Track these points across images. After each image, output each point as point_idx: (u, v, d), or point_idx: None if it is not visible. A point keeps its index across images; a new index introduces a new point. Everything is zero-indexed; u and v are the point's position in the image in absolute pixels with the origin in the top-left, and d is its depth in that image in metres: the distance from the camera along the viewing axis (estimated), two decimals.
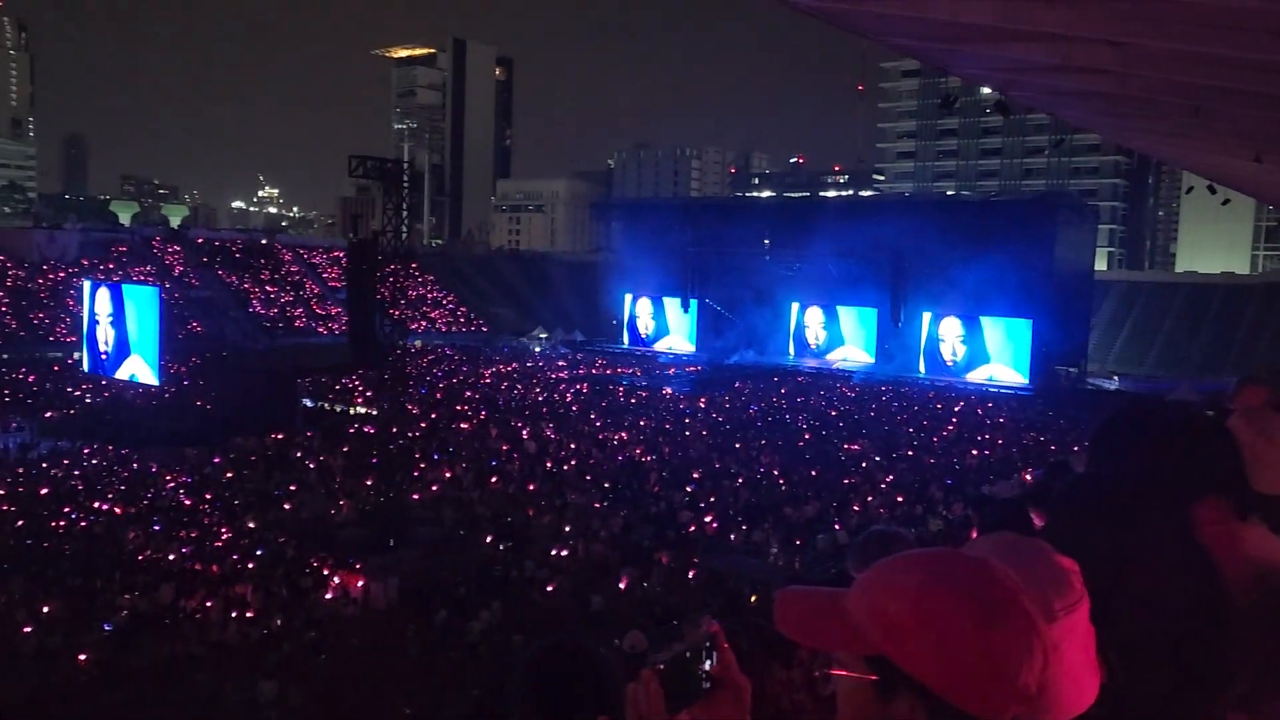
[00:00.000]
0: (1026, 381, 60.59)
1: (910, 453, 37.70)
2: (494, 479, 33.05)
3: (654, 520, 28.25)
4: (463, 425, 42.57)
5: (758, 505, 29.45)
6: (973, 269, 57.52)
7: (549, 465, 35.16)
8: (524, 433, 40.94)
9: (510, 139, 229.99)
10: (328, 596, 22.52)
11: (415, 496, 30.61)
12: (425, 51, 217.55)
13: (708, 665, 1.50)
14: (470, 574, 24.09)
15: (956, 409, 50.98)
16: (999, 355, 63.54)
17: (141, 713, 17.40)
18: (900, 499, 29.22)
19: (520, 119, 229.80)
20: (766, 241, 76.92)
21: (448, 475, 33.54)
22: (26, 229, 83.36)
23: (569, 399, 52.04)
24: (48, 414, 43.68)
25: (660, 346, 78.93)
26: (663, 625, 18.87)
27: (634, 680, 1.54)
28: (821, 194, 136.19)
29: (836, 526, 26.43)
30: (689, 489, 31.27)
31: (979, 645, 1.30)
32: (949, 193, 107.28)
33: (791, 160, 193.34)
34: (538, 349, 79.22)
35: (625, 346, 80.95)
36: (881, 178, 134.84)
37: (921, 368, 65.60)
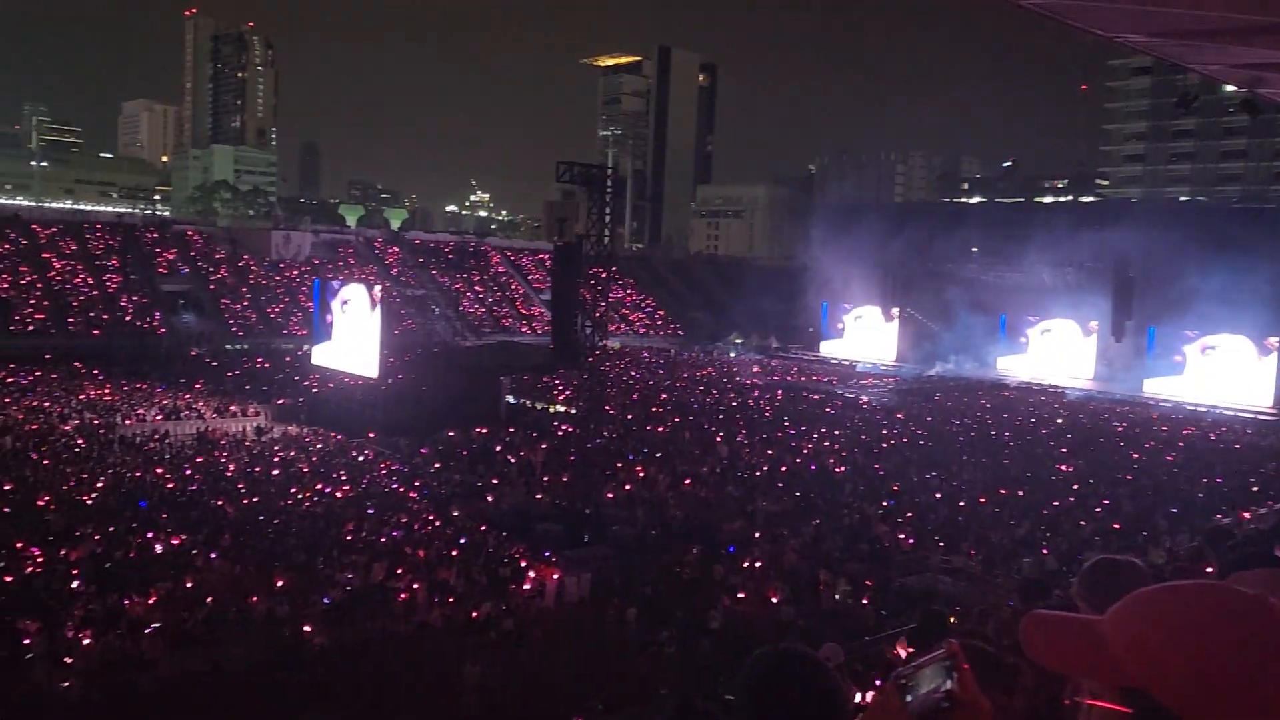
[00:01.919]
0: (1271, 406, 55.26)
1: (1129, 477, 35.14)
2: (687, 481, 33.23)
3: (846, 532, 27.60)
4: (657, 428, 43.07)
5: (958, 523, 28.23)
6: (1210, 281, 53.00)
7: (741, 470, 35.02)
8: (717, 437, 40.96)
9: (711, 144, 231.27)
10: (525, 588, 23.23)
11: (609, 495, 31.17)
12: (631, 60, 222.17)
13: (947, 685, 1.41)
14: (662, 575, 24.28)
15: (1185, 432, 47.14)
16: (1237, 376, 58.27)
17: (357, 682, 18.49)
18: (1117, 525, 27.27)
19: (722, 124, 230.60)
20: (975, 249, 73.91)
21: (641, 475, 34.00)
22: (266, 230, 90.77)
23: (763, 405, 51.68)
24: (280, 401, 47.34)
25: (858, 355, 77.18)
26: (854, 640, 18.36)
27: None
28: (1037, 199, 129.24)
29: (1044, 551, 24.97)
30: (885, 502, 30.38)
31: (1257, 688, 1.19)
32: (1183, 198, 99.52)
33: (1004, 164, 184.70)
34: (733, 354, 79.16)
35: (821, 354, 79.66)
36: (1106, 182, 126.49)
37: (1145, 386, 61.05)
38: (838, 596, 22.78)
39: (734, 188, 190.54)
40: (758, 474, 34.51)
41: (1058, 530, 27.17)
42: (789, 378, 66.25)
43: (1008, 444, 41.67)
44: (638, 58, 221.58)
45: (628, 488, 32.37)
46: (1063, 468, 36.37)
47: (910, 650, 8.23)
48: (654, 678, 18.98)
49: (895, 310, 74.00)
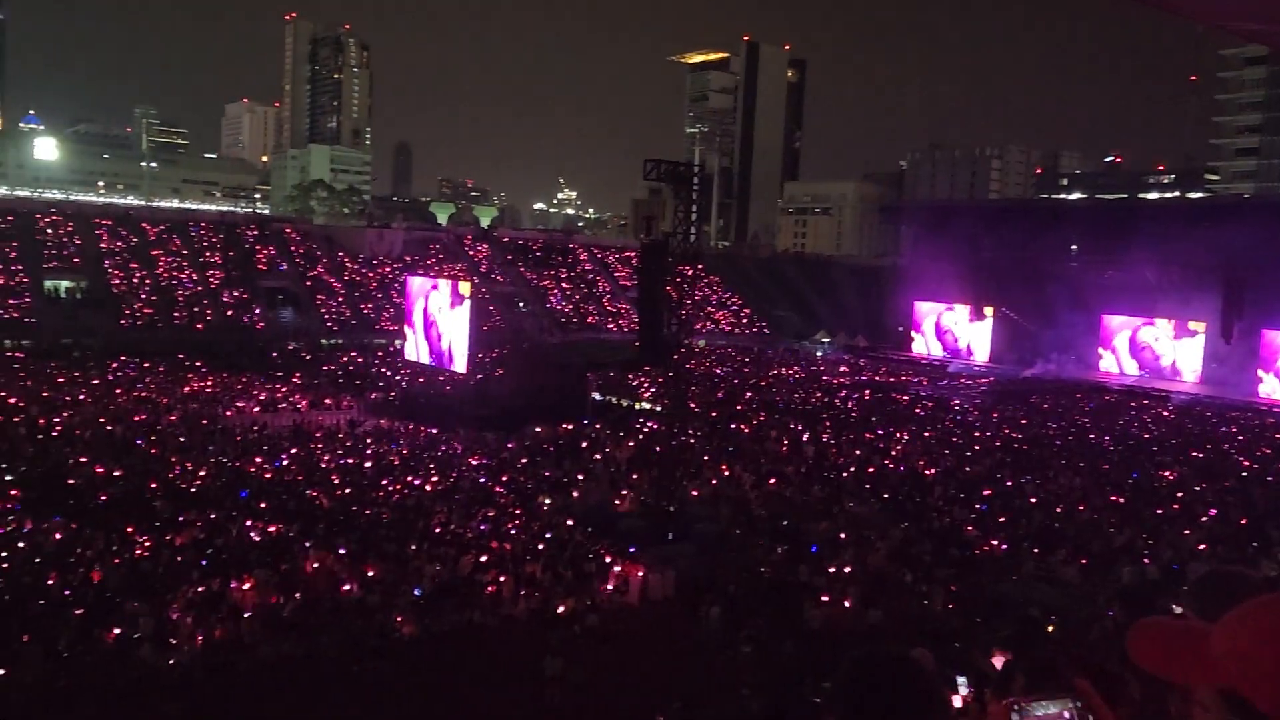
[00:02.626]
0: None
1: (1238, 485, 33.63)
2: (772, 480, 32.96)
3: (936, 536, 27.02)
4: (742, 426, 42.83)
5: (1054, 530, 27.40)
6: None
7: (827, 471, 34.60)
8: (803, 437, 40.54)
9: (799, 141, 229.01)
10: (609, 584, 23.31)
11: (694, 493, 31.09)
12: (719, 56, 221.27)
13: None
14: (744, 575, 24.13)
15: None
16: None
17: (443, 673, 18.82)
18: (1225, 536, 26.13)
19: (810, 121, 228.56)
20: (1074, 247, 71.70)
21: (726, 474, 33.85)
22: (360, 228, 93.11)
23: (850, 405, 50.98)
24: (373, 395, 48.47)
25: (950, 355, 75.54)
26: (943, 646, 17.95)
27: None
28: (1141, 196, 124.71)
29: (1146, 560, 24.07)
30: (977, 506, 29.66)
31: None
32: None
33: (1106, 159, 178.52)
34: (819, 353, 78.27)
35: (911, 354, 78.21)
36: (1216, 177, 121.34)
37: (1259, 391, 58.35)
38: (927, 601, 22.30)
39: (822, 185, 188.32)
40: (844, 475, 34.04)
41: (1160, 539, 26.14)
42: (877, 377, 65.20)
43: (1108, 448, 40.29)
44: (725, 54, 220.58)
45: (713, 485, 32.27)
46: (1166, 474, 35.01)
47: (1007, 658, 8.00)
48: (734, 678, 18.86)
49: (989, 310, 72.16)
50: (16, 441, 33.15)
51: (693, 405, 42.57)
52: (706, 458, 35.33)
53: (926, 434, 42.37)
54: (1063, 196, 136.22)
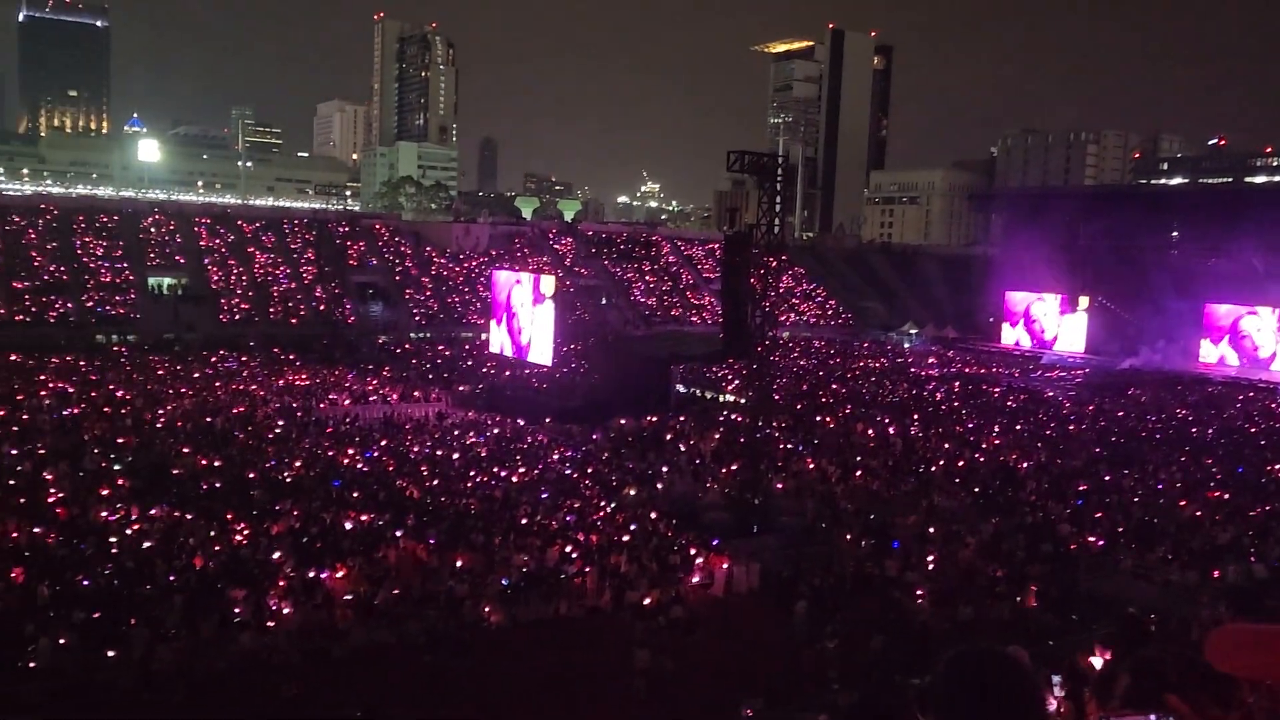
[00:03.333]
0: None
1: None
2: (858, 474, 32.54)
3: (1029, 531, 26.34)
4: (827, 419, 42.35)
5: (1153, 526, 26.45)
6: None
7: (915, 464, 33.98)
8: (890, 430, 39.91)
9: (886, 129, 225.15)
10: (694, 576, 23.28)
11: (779, 486, 30.87)
12: (803, 45, 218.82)
13: None
14: (831, 568, 23.87)
15: None
16: None
17: (530, 662, 19.04)
18: None
19: (898, 108, 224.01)
20: (1175, 234, 68.97)
21: (811, 466, 33.51)
22: (448, 223, 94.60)
23: (938, 397, 49.99)
24: (460, 387, 49.25)
25: (1043, 346, 73.45)
26: (1037, 645, 17.48)
27: None
28: (1248, 179, 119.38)
29: (1252, 559, 23.08)
30: (1072, 501, 28.80)
31: None
32: None
33: (1210, 142, 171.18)
34: (907, 344, 76.91)
35: (1002, 345, 76.29)
36: None
37: None
38: (1019, 599, 21.74)
39: (909, 173, 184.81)
40: (933, 468, 33.40)
41: (1268, 537, 25.03)
42: (967, 369, 63.79)
43: (1211, 443, 38.72)
44: (810, 42, 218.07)
45: (798, 478, 31.99)
46: (1274, 469, 33.50)
47: (1108, 657, 7.72)
48: (821, 672, 18.68)
49: (1084, 299, 69.92)
50: (124, 433, 34.55)
51: (777, 398, 42.21)
52: (789, 455, 35.00)
53: (1018, 427, 41.33)
54: (1163, 181, 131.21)
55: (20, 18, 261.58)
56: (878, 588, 22.77)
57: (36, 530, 22.90)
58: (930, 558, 24.23)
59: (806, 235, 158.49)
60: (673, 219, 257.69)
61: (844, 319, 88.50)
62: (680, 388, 48.57)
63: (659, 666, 18.36)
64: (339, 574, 21.54)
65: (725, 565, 23.94)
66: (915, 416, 43.06)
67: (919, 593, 22.03)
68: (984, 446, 37.07)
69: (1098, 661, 7.89)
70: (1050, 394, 52.23)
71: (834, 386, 52.26)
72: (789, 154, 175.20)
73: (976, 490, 30.39)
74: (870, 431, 39.67)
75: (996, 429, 40.58)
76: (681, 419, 42.03)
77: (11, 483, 26.97)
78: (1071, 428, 41.63)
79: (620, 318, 79.57)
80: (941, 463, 34.16)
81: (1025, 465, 33.92)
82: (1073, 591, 21.84)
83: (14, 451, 30.39)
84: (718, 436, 38.15)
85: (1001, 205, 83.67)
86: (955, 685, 2.20)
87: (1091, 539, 25.39)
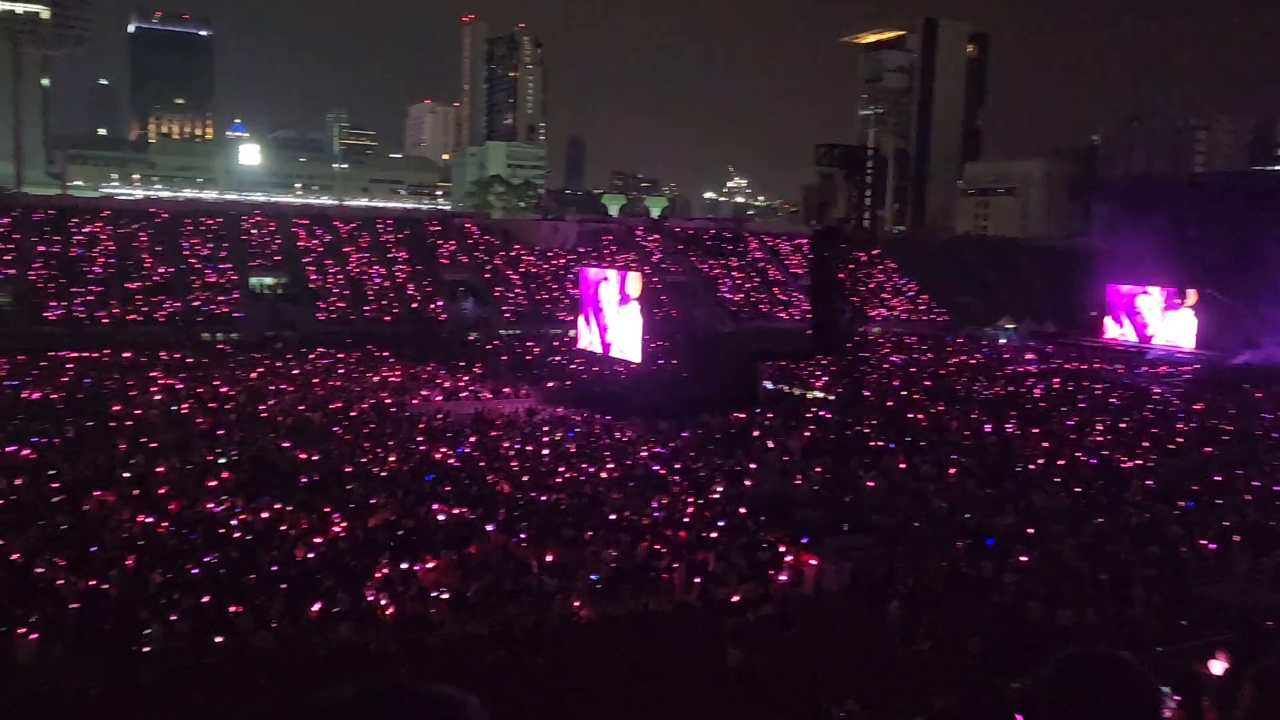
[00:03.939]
0: None
1: None
2: (952, 471, 31.81)
3: (1134, 533, 25.38)
4: (919, 415, 41.53)
5: (1270, 529, 25.22)
6: None
7: (1013, 463, 33.06)
8: (986, 427, 38.92)
9: (981, 119, 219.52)
10: (783, 574, 23.05)
11: (870, 483, 30.38)
12: (894, 35, 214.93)
13: None
14: (925, 568, 23.37)
15: None
16: None
17: (620, 656, 19.09)
18: None
19: (993, 97, 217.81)
20: None
21: (903, 464, 32.90)
22: (536, 221, 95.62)
23: (1037, 394, 48.57)
24: (549, 383, 49.72)
25: (1148, 341, 70.71)
26: (1145, 651, 16.82)
27: None
28: None
29: None
30: (1180, 503, 27.66)
31: None
32: None
33: None
34: (1003, 340, 74.91)
35: (1105, 340, 73.70)
36: None
37: None
38: (1124, 602, 20.96)
39: (1006, 164, 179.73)
40: (1031, 466, 32.46)
41: None
42: (1068, 365, 61.80)
43: None
44: (901, 32, 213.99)
45: (889, 475, 31.44)
46: None
47: (1228, 665, 7.36)
48: (914, 674, 18.31)
49: (1193, 292, 67.06)
50: (228, 428, 35.80)
51: (867, 394, 41.56)
52: (882, 447, 34.42)
53: (1122, 424, 39.89)
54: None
55: (131, 29, 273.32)
56: (973, 588, 22.22)
57: (149, 520, 23.87)
58: (1028, 558, 23.55)
59: (898, 229, 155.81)
60: (760, 214, 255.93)
61: (937, 314, 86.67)
62: (768, 384, 48.19)
63: (750, 664, 18.23)
64: (429, 565, 21.92)
65: (815, 563, 23.65)
66: (1012, 414, 41.91)
67: (1016, 594, 21.42)
68: (1085, 445, 35.88)
69: (1217, 667, 7.53)
70: (1157, 391, 50.30)
71: (926, 383, 51.20)
72: (879, 146, 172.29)
73: (1078, 490, 29.43)
74: (965, 429, 38.76)
75: (1099, 427, 39.23)
76: (769, 415, 41.69)
77: (126, 475, 28.17)
78: (1179, 426, 40.00)
79: (708, 314, 79.31)
80: (1040, 461, 33.18)
81: (1130, 464, 32.72)
82: (1182, 596, 20.96)
83: (128, 445, 31.73)
84: (806, 433, 37.74)
85: (1104, 195, 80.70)
86: (1066, 691, 2.08)
87: (1203, 542, 24.34)
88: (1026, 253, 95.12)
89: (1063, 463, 32.94)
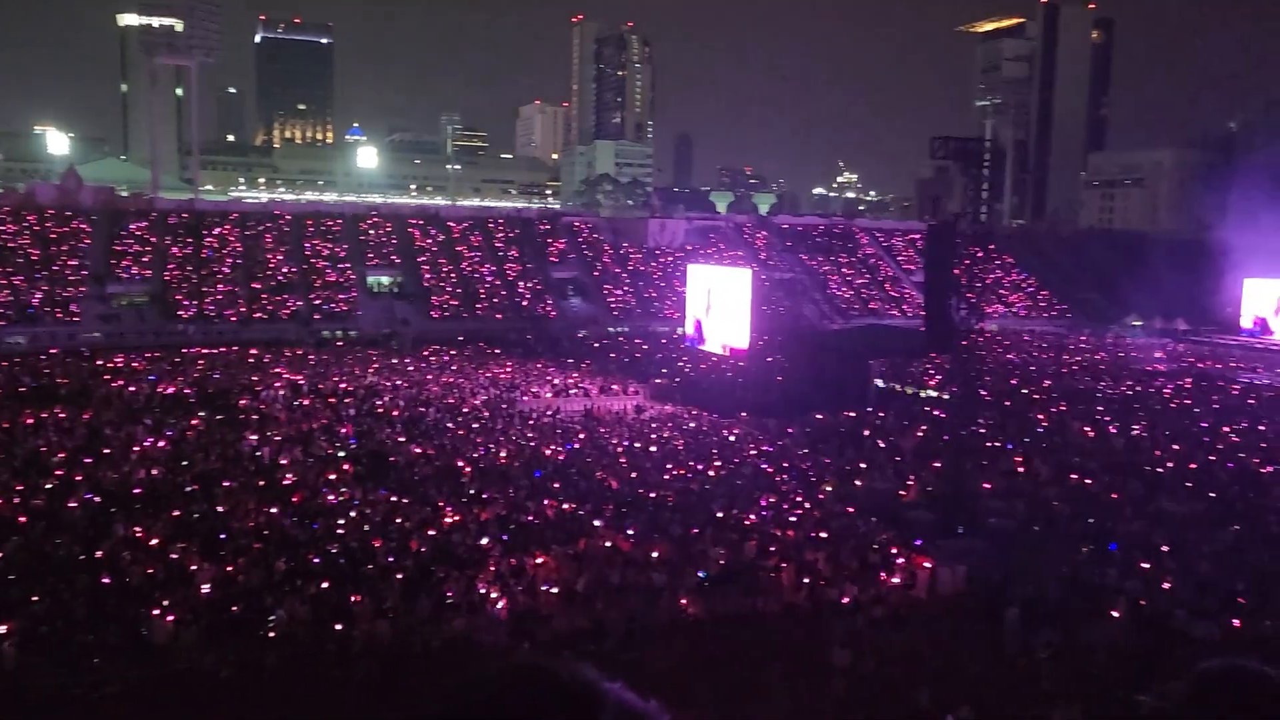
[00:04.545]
0: None
1: None
2: (1074, 475, 30.62)
3: (1273, 542, 23.97)
4: (1039, 415, 40.14)
5: None
6: None
7: (1140, 466, 31.63)
8: (1110, 428, 37.35)
9: (1106, 107, 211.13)
10: (895, 577, 22.56)
11: (986, 485, 29.51)
12: (1013, 22, 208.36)
13: None
14: (1045, 573, 22.54)
15: None
16: None
17: (727, 656, 18.98)
18: None
19: (1119, 84, 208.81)
20: None
21: (1021, 466, 31.85)
22: (644, 219, 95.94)
23: (1167, 394, 46.39)
24: (657, 381, 49.85)
25: None
26: None
27: None
28: None
29: None
30: None
31: None
32: None
33: None
34: (1130, 338, 71.79)
35: (1243, 338, 69.91)
36: None
37: None
38: (1269, 621, 19.79)
39: (1133, 153, 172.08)
40: (1160, 470, 31.00)
41: None
42: (1200, 364, 58.84)
43: None
44: (1020, 19, 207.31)
45: (1006, 477, 30.47)
46: None
47: None
48: (1034, 684, 17.68)
49: None
50: (347, 422, 36.98)
51: (984, 393, 40.39)
52: (999, 448, 33.38)
53: (1262, 427, 37.73)
54: None
55: (257, 39, 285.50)
56: (1097, 596, 21.31)
57: (273, 510, 24.85)
58: (1154, 566, 22.48)
59: (1016, 222, 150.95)
60: (871, 209, 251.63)
61: (1058, 310, 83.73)
62: (879, 382, 47.27)
63: (859, 666, 17.91)
64: (538, 560, 22.20)
65: (928, 566, 23.07)
66: (1140, 414, 40.12)
67: (1142, 603, 20.48)
68: (1220, 448, 34.08)
69: None
70: None
71: (1046, 382, 49.47)
72: (998, 137, 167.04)
73: (1213, 495, 27.97)
74: (1088, 430, 37.28)
75: (1235, 429, 37.21)
76: (880, 414, 40.91)
77: (252, 467, 29.39)
78: None
79: (817, 311, 78.35)
80: (1170, 465, 31.66)
81: (1271, 469, 30.94)
82: None
83: (254, 438, 33.12)
84: (919, 433, 36.88)
85: (1243, 184, 76.36)
86: (1204, 707, 1.93)
87: None
88: (1156, 246, 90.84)
89: (1195, 467, 31.36)
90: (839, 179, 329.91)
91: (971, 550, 24.54)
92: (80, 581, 19.61)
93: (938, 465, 31.00)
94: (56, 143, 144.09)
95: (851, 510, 26.95)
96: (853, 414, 40.32)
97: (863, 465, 32.12)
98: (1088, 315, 79.73)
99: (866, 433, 37.33)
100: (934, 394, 45.19)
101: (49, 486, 25.99)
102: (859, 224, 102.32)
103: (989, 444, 33.95)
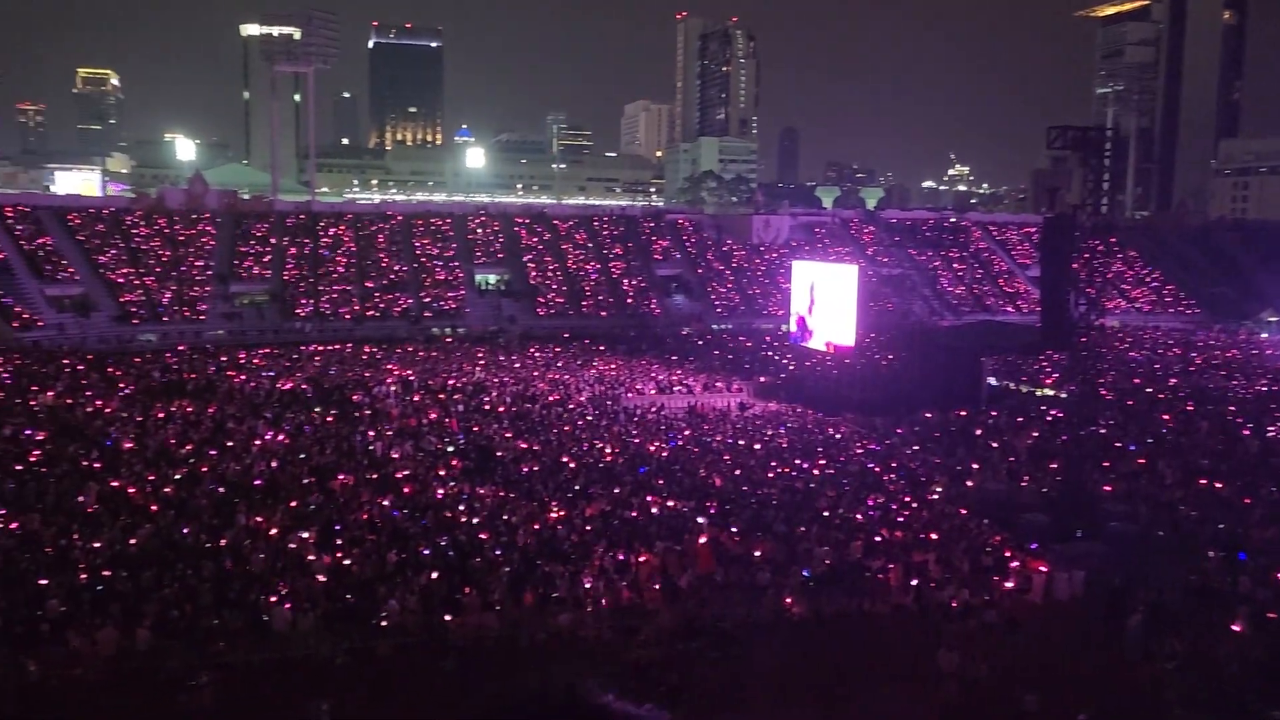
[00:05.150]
0: None
1: None
2: (1201, 479, 29.16)
3: None
4: (1164, 416, 38.36)
5: None
6: None
7: (1276, 469, 29.92)
8: (1244, 429, 35.45)
9: (1239, 92, 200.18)
10: (1009, 581, 21.84)
11: (1106, 487, 28.35)
12: (1136, 5, 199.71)
13: None
14: (1170, 581, 21.51)
15: None
16: None
17: (830, 655, 18.67)
18: None
19: (1254, 68, 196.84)
20: None
21: (1144, 468, 30.49)
22: (748, 215, 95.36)
23: None
24: (761, 378, 49.48)
25: None
26: None
27: None
28: None
29: None
30: None
31: None
32: None
33: None
34: (1265, 334, 68.03)
35: None
36: None
37: None
38: None
39: (1269, 140, 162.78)
40: None
41: None
42: None
43: None
44: (1144, 1, 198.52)
45: (1129, 480, 29.20)
46: None
47: None
48: (1158, 695, 16.89)
49: None
50: (455, 417, 37.73)
51: (1104, 392, 38.84)
52: (1121, 449, 32.03)
53: None
54: None
55: (370, 45, 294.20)
56: (1227, 606, 20.22)
57: (385, 503, 25.53)
58: None
59: (1140, 214, 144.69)
60: (984, 202, 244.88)
61: (1185, 306, 79.94)
62: (992, 380, 45.92)
63: (971, 671, 17.41)
64: (641, 559, 22.23)
65: (1045, 570, 22.28)
66: (1276, 415, 37.97)
67: (1270, 616, 19.35)
68: None
69: None
70: None
71: (1172, 381, 47.26)
72: (1119, 125, 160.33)
73: None
74: (1218, 431, 35.46)
75: None
76: (994, 413, 39.73)
77: (365, 461, 30.27)
78: None
79: (926, 307, 76.59)
80: None
81: None
82: None
83: (371, 433, 34.08)
84: (1035, 433, 35.68)
85: None
86: None
87: None
88: None
89: None
90: (950, 171, 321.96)
91: (1091, 555, 23.66)
92: (206, 568, 20.49)
93: (1054, 466, 29.98)
94: (184, 149, 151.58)
95: (963, 511, 26.24)
96: (964, 412, 39.30)
97: (975, 465, 31.26)
98: (1218, 311, 75.95)
99: (979, 432, 36.33)
100: (1051, 392, 43.72)
101: (178, 476, 27.23)
102: (971, 218, 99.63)
103: (1110, 445, 32.61)
